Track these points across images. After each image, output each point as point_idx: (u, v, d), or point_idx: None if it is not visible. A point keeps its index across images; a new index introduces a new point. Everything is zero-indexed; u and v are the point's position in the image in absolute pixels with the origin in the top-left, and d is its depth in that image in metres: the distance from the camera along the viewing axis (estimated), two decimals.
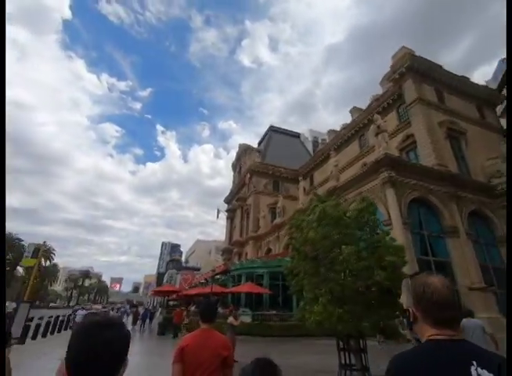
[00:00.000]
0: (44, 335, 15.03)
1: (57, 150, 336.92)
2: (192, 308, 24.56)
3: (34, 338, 13.77)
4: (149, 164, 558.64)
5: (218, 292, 20.97)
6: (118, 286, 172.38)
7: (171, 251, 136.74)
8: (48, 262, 71.46)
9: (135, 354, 11.87)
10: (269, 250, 31.14)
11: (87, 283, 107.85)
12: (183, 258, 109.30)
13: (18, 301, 6.94)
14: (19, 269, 67.44)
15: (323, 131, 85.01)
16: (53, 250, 73.21)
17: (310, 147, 59.38)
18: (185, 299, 28.47)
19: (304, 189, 29.09)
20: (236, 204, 43.28)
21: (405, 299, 6.75)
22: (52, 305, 76.21)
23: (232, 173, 52.61)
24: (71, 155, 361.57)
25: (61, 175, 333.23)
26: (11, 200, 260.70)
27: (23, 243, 64.20)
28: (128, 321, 31.24)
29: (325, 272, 6.09)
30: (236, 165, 49.67)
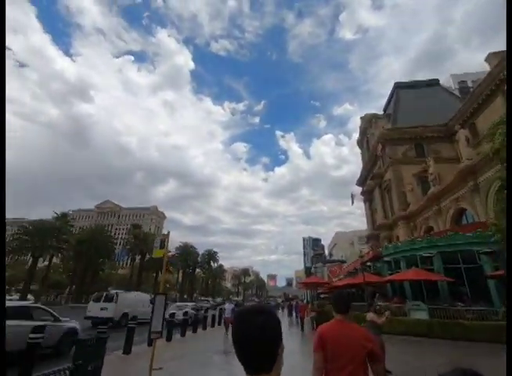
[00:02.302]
0: (205, 327, 16.37)
1: (208, 174, 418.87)
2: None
3: (193, 331, 15.12)
4: (277, 169, 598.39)
5: (372, 281, 17.56)
6: (273, 281, 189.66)
7: (313, 245, 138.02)
8: (215, 264, 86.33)
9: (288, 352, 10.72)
10: (429, 228, 24.57)
11: (248, 279, 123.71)
12: (326, 252, 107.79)
13: (154, 293, 6.54)
14: (197, 270, 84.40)
15: (472, 71, 64.06)
16: (217, 254, 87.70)
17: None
18: (335, 291, 26.12)
19: (468, 140, 21.19)
20: (372, 183, 37.65)
21: None
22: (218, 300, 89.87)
23: (358, 153, 46.86)
24: (217, 176, 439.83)
25: (214, 194, 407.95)
26: (186, 220, 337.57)
27: (196, 250, 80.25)
28: (284, 313, 32.08)
29: None
30: (362, 141, 43.74)
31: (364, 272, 17.09)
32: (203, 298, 65.76)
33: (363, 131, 42.08)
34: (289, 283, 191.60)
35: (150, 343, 11.38)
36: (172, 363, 8.37)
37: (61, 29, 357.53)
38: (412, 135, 32.01)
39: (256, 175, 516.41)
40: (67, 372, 4.38)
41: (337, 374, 2.09)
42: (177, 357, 9.27)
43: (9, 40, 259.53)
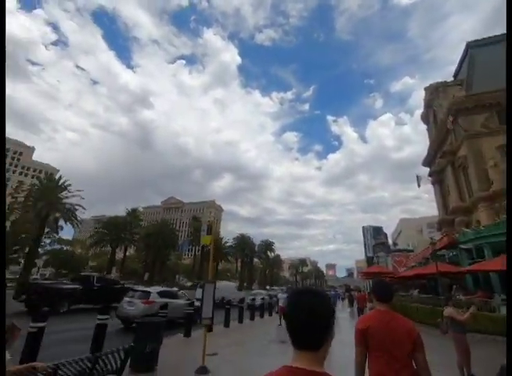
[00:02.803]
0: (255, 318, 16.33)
1: (260, 167, 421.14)
2: (415, 292, 19.92)
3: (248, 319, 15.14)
4: (331, 156, 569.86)
5: (448, 272, 15.32)
6: (332, 272, 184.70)
7: (374, 234, 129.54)
8: (271, 254, 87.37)
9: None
10: None
11: (305, 269, 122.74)
12: (390, 241, 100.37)
13: (204, 281, 6.53)
14: (255, 260, 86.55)
15: None
16: (273, 244, 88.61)
17: None
18: (402, 282, 24.10)
19: None
20: (442, 161, 33.01)
21: None
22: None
23: (422, 131, 41.54)
24: (270, 168, 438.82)
25: (267, 186, 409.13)
26: (243, 212, 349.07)
27: (253, 241, 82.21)
28: (344, 304, 30.65)
29: None
30: (428, 115, 38.57)
31: (437, 261, 14.96)
32: (269, 287, 67.19)
33: (428, 104, 37.06)
34: (350, 273, 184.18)
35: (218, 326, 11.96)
36: (228, 349, 8.32)
37: (122, 44, 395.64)
38: (494, 101, 26.89)
39: (309, 163, 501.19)
40: (122, 352, 4.38)
41: (387, 369, 1.96)
42: (233, 344, 9.22)
43: (83, 62, 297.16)
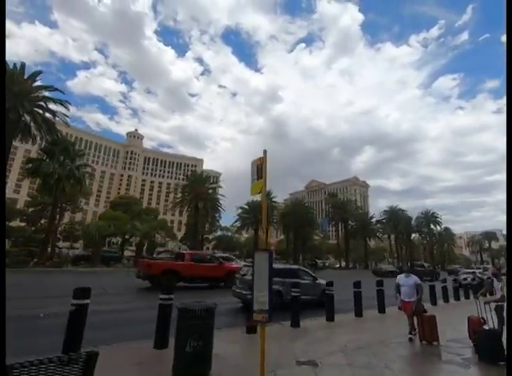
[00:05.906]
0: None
1: (407, 130, 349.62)
2: None
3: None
4: None
5: None
6: None
7: None
8: (437, 228, 70.83)
9: None
10: None
11: (495, 245, 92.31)
12: None
13: (253, 249, 3.94)
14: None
15: None
16: (437, 216, 71.76)
17: None
18: None
19: None
20: None
21: None
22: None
23: None
24: (420, 128, 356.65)
25: (420, 150, 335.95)
26: (393, 185, 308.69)
27: (407, 213, 69.67)
28: None
29: None
30: None
31: None
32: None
33: None
34: None
35: (382, 310, 9.56)
36: (339, 355, 5.16)
37: (247, 53, 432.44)
38: None
39: (479, 109, 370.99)
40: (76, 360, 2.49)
41: None
42: (360, 345, 5.85)
43: (223, 80, 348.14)
